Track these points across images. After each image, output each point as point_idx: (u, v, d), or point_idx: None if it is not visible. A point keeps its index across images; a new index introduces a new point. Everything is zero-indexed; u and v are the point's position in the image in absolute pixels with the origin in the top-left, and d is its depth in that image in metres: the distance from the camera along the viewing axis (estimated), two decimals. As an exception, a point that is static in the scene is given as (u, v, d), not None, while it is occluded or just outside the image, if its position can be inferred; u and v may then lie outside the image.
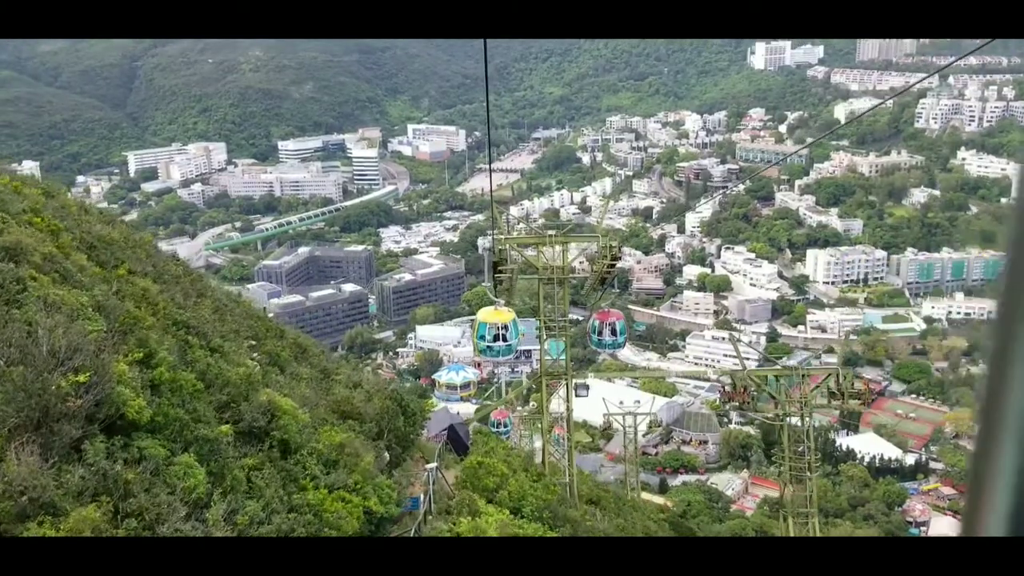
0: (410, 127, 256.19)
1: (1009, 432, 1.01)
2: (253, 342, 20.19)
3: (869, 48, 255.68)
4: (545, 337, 32.13)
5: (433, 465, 19.09)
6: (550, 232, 33.40)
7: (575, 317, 45.80)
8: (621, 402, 60.27)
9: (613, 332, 33.30)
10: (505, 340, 30.63)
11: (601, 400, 57.01)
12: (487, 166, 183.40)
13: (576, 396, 33.03)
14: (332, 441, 14.61)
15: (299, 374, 19.84)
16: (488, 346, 30.93)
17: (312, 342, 33.16)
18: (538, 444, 57.69)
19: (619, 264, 33.19)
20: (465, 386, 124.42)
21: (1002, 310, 1.04)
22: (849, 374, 37.23)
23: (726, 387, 37.59)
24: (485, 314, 31.54)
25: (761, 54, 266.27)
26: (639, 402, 64.12)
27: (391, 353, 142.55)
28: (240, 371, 14.58)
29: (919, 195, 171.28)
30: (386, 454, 17.03)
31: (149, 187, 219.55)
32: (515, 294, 35.26)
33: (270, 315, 35.08)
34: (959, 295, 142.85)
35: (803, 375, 34.61)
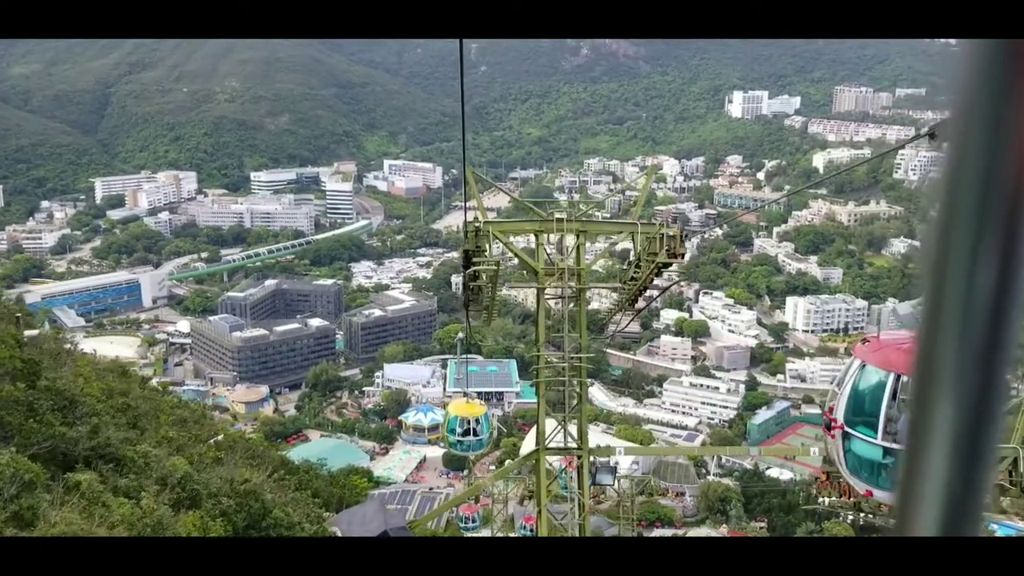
0: (386, 162, 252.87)
1: (938, 432, 1.05)
2: None
3: (846, 99, 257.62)
4: (543, 384, 24.20)
5: None
6: (557, 216, 23.35)
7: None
8: (616, 462, 55.41)
9: None
10: (476, 434, 28.92)
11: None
12: (463, 203, 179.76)
13: (595, 484, 24.47)
14: None
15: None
16: (458, 440, 28.97)
17: (94, 389, 20.00)
18: (514, 504, 52.91)
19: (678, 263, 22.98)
20: (433, 428, 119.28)
21: (927, 311, 1.05)
22: None
23: (828, 474, 21.98)
24: (456, 407, 29.68)
25: (738, 103, 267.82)
26: (637, 463, 59.17)
27: (357, 392, 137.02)
28: None
29: (899, 245, 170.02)
30: None
31: (115, 214, 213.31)
32: (494, 310, 29.06)
33: (33, 332, 24.45)
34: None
35: None
